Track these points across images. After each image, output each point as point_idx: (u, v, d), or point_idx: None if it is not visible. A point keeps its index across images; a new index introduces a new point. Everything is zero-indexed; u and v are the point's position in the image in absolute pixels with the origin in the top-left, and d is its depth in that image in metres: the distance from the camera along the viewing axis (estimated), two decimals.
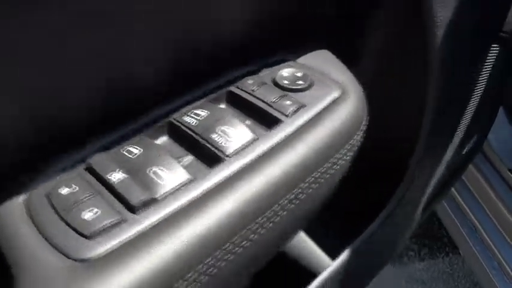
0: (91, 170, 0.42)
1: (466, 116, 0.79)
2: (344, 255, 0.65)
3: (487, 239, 1.16)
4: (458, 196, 1.18)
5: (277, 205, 0.45)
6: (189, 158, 0.46)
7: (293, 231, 0.54)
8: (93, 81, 0.45)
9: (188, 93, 0.51)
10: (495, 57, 0.82)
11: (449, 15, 0.59)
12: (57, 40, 0.41)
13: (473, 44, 0.69)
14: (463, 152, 0.91)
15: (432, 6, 0.57)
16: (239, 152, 0.45)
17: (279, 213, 0.45)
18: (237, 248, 0.42)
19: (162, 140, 0.47)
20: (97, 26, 0.43)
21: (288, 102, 0.50)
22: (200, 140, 0.46)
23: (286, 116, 0.49)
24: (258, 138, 0.46)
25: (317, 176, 0.48)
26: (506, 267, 1.12)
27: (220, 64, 0.53)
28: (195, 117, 0.48)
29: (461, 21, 0.61)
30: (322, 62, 0.56)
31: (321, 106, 0.50)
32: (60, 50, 0.41)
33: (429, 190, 0.87)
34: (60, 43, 0.41)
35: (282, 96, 0.50)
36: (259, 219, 0.43)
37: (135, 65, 0.48)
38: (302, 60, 0.56)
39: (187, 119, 0.47)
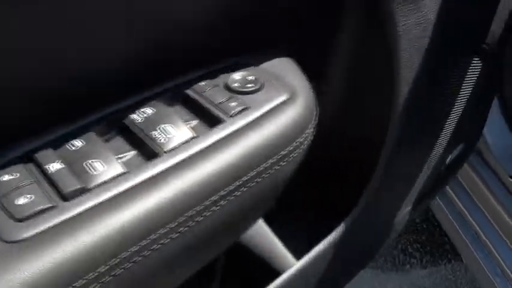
0: (34, 160, 0.46)
1: (444, 125, 0.80)
2: (308, 257, 0.67)
3: (490, 245, 1.15)
4: (459, 202, 1.17)
5: (208, 200, 0.47)
6: (131, 153, 0.49)
7: (233, 226, 0.56)
8: (48, 77, 0.49)
9: (143, 93, 0.53)
10: (479, 68, 0.82)
11: (413, 25, 0.60)
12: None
13: (445, 55, 0.69)
14: (448, 159, 0.91)
15: (393, 15, 0.58)
16: (176, 148, 0.48)
17: (211, 208, 0.48)
18: (164, 239, 0.45)
19: (111, 135, 0.50)
20: (48, 22, 0.46)
21: (234, 104, 0.52)
22: (142, 136, 0.49)
23: (230, 116, 0.51)
24: (197, 137, 0.49)
25: (254, 174, 0.51)
26: (510, 273, 1.11)
27: (181, 65, 0.56)
28: (142, 115, 0.51)
29: (429, 31, 0.62)
30: (279, 66, 0.59)
31: (266, 108, 0.53)
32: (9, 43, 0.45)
33: (414, 191, 0.87)
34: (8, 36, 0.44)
35: (229, 98, 0.53)
36: (189, 212, 0.46)
37: (88, 62, 0.51)
38: (259, 64, 0.58)
39: (134, 116, 0.50)
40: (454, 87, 0.78)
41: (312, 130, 0.56)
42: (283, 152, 0.53)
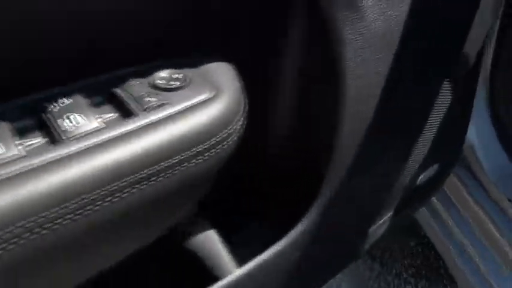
0: None
1: (403, 145, 0.78)
2: (248, 266, 0.66)
3: (484, 270, 1.11)
4: (454, 226, 1.14)
5: (103, 190, 0.47)
6: (36, 139, 0.49)
7: (140, 222, 0.56)
8: None
9: (69, 85, 0.54)
10: (450, 91, 0.81)
11: (357, 35, 0.60)
12: None
13: (409, 75, 0.67)
14: (420, 178, 0.89)
15: (336, 23, 0.58)
16: (79, 137, 0.48)
17: (108, 199, 0.48)
18: (49, 224, 0.45)
19: (23, 121, 0.50)
20: None
21: (152, 99, 0.52)
22: (48, 123, 0.49)
23: (144, 110, 0.51)
24: (104, 127, 0.49)
25: (160, 169, 0.51)
26: None
27: (114, 63, 0.57)
28: (58, 104, 0.51)
29: (374, 42, 0.61)
30: (210, 66, 0.59)
31: (184, 105, 0.53)
32: None
33: (381, 206, 0.85)
34: None
35: (149, 94, 0.53)
36: (79, 200, 0.46)
37: (26, 48, 0.52)
38: (192, 63, 0.58)
39: (51, 105, 0.51)
40: (417, 109, 0.77)
41: (234, 130, 0.56)
42: (197, 149, 0.53)
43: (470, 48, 0.81)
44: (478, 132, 1.10)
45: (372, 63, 0.63)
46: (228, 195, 0.72)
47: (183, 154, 0.52)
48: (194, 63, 0.59)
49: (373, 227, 0.88)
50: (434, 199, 1.15)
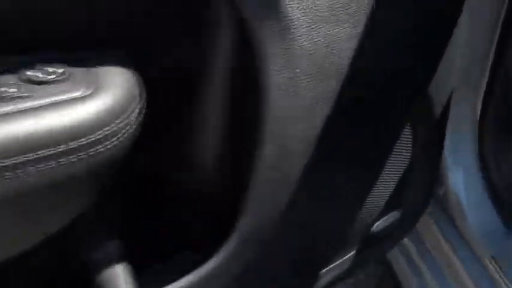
0: None
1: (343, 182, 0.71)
2: None
3: None
4: (432, 280, 1.07)
5: None
6: None
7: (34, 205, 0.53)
8: None
9: None
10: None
11: (283, 49, 0.55)
12: None
13: (345, 98, 0.62)
14: (379, 222, 0.82)
15: (257, 35, 0.54)
16: None
17: None
18: None
19: None
20: None
21: (11, 90, 0.50)
22: None
23: None
24: None
25: (20, 162, 0.48)
26: None
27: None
28: None
29: (301, 62, 0.56)
30: (102, 66, 0.55)
31: (51, 99, 0.51)
32: None
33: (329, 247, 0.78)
34: None
35: (12, 85, 0.51)
36: None
37: None
38: (82, 61, 0.55)
39: None
40: (363, 149, 0.70)
41: (119, 128, 0.52)
42: (52, 151, 0.50)
43: (437, 93, 0.74)
44: (465, 183, 1.03)
45: (304, 84, 0.57)
46: (145, 221, 0.67)
47: (25, 156, 0.49)
48: (83, 60, 0.56)
49: (325, 269, 0.81)
50: (411, 249, 1.08)
